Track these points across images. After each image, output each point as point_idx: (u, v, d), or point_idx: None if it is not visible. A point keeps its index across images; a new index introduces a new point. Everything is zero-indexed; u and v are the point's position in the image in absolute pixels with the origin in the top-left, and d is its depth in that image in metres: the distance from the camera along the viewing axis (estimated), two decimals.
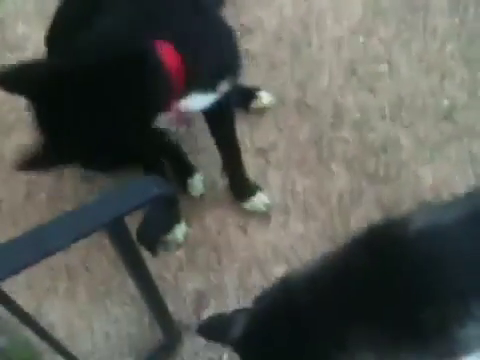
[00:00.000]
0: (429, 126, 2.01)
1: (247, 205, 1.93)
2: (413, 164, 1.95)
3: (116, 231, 1.05)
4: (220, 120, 1.74)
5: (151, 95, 1.32)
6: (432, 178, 1.91)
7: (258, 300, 1.33)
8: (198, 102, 1.51)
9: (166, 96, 1.36)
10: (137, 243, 1.21)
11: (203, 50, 1.40)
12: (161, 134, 1.79)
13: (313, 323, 1.17)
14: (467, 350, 1.15)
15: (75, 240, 0.95)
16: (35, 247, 0.92)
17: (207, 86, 1.49)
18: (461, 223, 1.15)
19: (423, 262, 1.11)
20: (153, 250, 1.28)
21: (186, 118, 1.56)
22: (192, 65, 1.35)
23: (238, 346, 1.31)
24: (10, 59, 2.22)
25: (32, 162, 1.29)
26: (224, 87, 1.54)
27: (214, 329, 1.38)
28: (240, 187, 1.94)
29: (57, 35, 1.60)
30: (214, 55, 1.44)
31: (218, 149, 1.84)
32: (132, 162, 1.84)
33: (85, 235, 0.96)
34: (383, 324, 1.13)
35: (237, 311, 1.38)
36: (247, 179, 1.92)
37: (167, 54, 1.30)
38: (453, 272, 1.10)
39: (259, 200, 1.92)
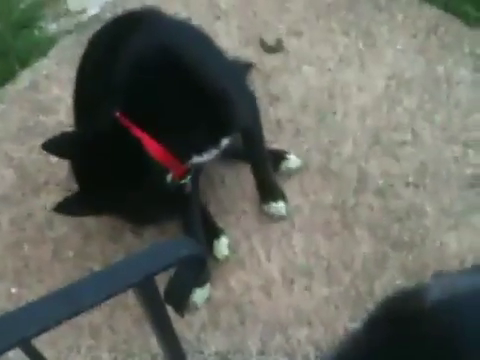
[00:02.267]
0: (453, 194, 2.03)
1: (266, 207, 2.04)
2: (437, 231, 1.96)
3: (146, 290, 1.07)
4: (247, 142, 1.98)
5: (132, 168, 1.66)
6: (457, 245, 1.92)
7: None
8: (201, 159, 1.76)
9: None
10: (165, 303, 1.23)
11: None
12: (181, 194, 1.86)
13: None
14: None
15: (107, 298, 0.97)
16: (66, 304, 0.94)
17: (204, 147, 1.74)
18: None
19: (442, 334, 1.07)
20: (180, 310, 1.30)
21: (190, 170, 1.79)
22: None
23: None
24: (43, 121, 2.34)
25: (68, 207, 1.68)
26: (226, 142, 1.77)
27: None
28: (265, 189, 2.04)
29: (80, 104, 1.95)
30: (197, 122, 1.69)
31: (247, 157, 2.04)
32: (161, 217, 1.93)
33: (116, 293, 0.98)
34: None
35: None
36: (273, 184, 2.04)
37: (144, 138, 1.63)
38: (472, 344, 1.06)
39: (278, 207, 2.03)
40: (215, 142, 1.75)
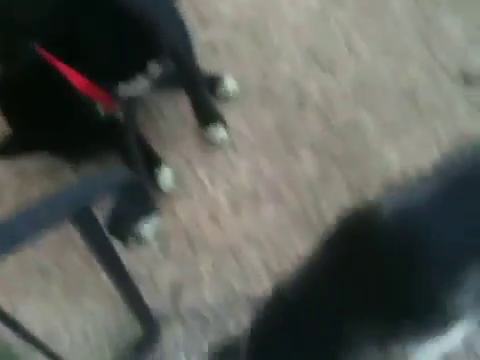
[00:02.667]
0: (392, 106, 2.04)
1: (205, 132, 2.01)
2: (379, 145, 1.97)
3: (84, 222, 1.05)
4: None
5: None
6: (399, 157, 1.94)
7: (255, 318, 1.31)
8: (131, 89, 1.71)
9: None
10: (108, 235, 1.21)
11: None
12: (116, 128, 1.81)
13: (311, 327, 1.17)
14: (460, 319, 1.16)
15: (42, 232, 0.94)
16: (1, 240, 0.92)
17: (130, 74, 1.68)
18: (432, 200, 1.15)
19: (402, 244, 1.11)
20: (124, 240, 1.29)
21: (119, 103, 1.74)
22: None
23: None
24: None
25: (2, 151, 1.64)
26: (156, 69, 1.71)
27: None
28: (202, 114, 2.01)
29: None
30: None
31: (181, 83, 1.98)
32: (98, 152, 1.87)
33: (52, 226, 0.95)
34: (376, 312, 1.12)
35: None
36: (210, 108, 2.01)
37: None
38: (433, 248, 1.10)
39: (217, 130, 2.01)
40: (142, 68, 1.69)
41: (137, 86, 1.71)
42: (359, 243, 1.15)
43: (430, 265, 1.10)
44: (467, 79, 2.05)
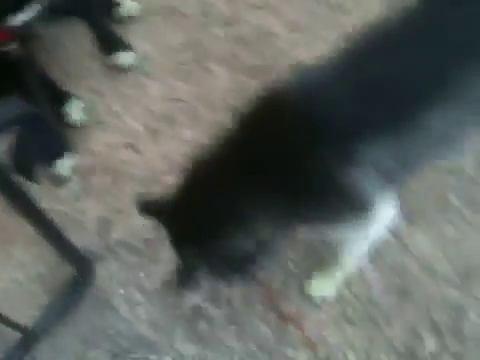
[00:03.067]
0: (298, 9, 1.99)
1: (111, 60, 1.93)
2: (290, 50, 1.93)
3: None
4: None
5: None
6: (311, 60, 1.91)
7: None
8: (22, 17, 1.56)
9: None
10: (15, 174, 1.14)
11: None
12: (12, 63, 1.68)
13: (221, 203, 1.19)
14: (363, 198, 1.19)
15: None
16: None
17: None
18: (329, 76, 1.17)
19: (302, 118, 1.13)
20: (32, 177, 1.22)
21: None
22: None
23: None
24: None
25: None
26: None
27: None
28: (105, 40, 1.93)
29: None
30: None
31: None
32: None
33: None
34: (275, 190, 1.15)
35: None
36: (112, 33, 1.92)
37: None
38: (331, 121, 1.12)
39: (123, 55, 1.93)
40: None
41: (28, 16, 1.57)
42: (266, 120, 1.18)
43: (326, 139, 1.12)
44: None
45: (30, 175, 1.18)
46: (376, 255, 1.50)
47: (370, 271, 1.52)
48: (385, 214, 1.30)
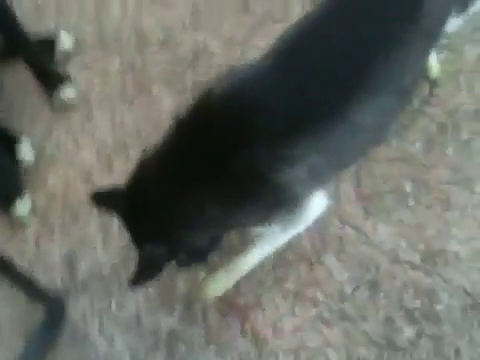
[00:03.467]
0: (232, 23, 2.03)
1: (54, 96, 1.94)
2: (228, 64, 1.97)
3: None
4: None
5: None
6: None
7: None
8: None
9: None
10: None
11: None
12: None
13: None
14: (294, 196, 1.23)
15: None
16: None
17: None
18: (261, 75, 1.21)
19: (232, 118, 1.17)
20: None
21: None
22: None
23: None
24: None
25: None
26: None
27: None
28: (45, 77, 1.94)
29: None
30: None
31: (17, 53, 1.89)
32: None
33: None
34: (214, 192, 1.19)
35: None
36: (49, 68, 1.95)
37: None
38: (261, 121, 1.15)
39: (65, 89, 1.94)
40: None
41: None
42: (199, 123, 1.21)
43: (255, 139, 1.15)
44: None
45: None
46: (340, 251, 1.55)
47: (338, 269, 1.55)
48: (314, 209, 1.36)
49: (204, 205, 1.20)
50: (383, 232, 1.57)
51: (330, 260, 1.55)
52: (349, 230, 1.57)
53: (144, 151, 1.31)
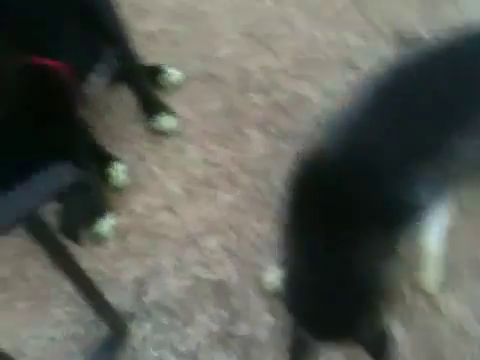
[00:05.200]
0: (335, 78, 2.05)
1: (153, 124, 1.99)
2: (324, 115, 1.97)
3: (32, 225, 1.02)
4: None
5: None
6: None
7: None
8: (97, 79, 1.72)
9: None
10: (60, 235, 1.18)
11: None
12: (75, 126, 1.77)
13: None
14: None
15: None
16: None
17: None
18: (363, 119, 1.21)
19: (356, 170, 1.17)
20: (78, 240, 1.26)
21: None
22: None
23: None
24: None
25: None
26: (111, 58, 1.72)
27: None
28: (147, 105, 2.00)
29: None
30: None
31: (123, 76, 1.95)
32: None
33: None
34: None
35: None
36: (154, 98, 2.00)
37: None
38: (380, 163, 1.16)
39: (164, 119, 1.99)
40: (99, 56, 1.72)
41: (97, 74, 1.70)
42: (317, 180, 1.21)
43: (383, 179, 1.15)
44: (403, 40, 2.08)
45: (75, 237, 1.23)
46: (407, 317, 1.50)
47: (401, 333, 1.50)
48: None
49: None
50: (453, 303, 1.54)
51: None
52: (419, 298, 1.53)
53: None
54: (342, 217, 1.16)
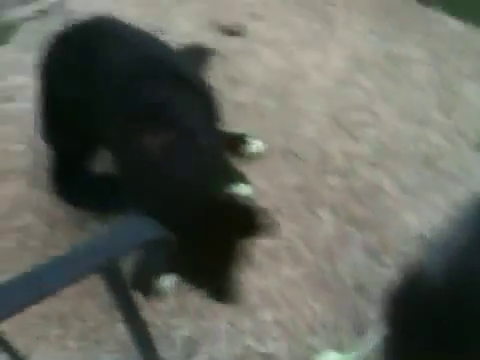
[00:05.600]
0: (411, 172, 2.07)
1: (234, 189, 2.02)
2: (397, 209, 2.00)
3: (109, 274, 1.06)
4: None
5: None
6: (416, 222, 1.96)
7: None
8: None
9: None
10: (130, 287, 1.23)
11: None
12: None
13: None
14: None
15: (69, 283, 0.95)
16: (28, 290, 0.92)
17: None
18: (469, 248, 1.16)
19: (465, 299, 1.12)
20: (147, 292, 1.30)
21: None
22: None
23: None
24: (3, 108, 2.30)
25: None
26: None
27: None
28: (228, 173, 2.03)
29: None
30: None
31: None
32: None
33: (78, 277, 0.97)
34: None
35: None
36: (231, 167, 2.05)
37: None
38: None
39: (241, 189, 2.02)
40: None
41: None
42: (418, 306, 1.17)
43: None
44: None
45: (146, 290, 1.26)
46: None
47: None
48: None
49: None
50: None
51: None
52: None
53: None
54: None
